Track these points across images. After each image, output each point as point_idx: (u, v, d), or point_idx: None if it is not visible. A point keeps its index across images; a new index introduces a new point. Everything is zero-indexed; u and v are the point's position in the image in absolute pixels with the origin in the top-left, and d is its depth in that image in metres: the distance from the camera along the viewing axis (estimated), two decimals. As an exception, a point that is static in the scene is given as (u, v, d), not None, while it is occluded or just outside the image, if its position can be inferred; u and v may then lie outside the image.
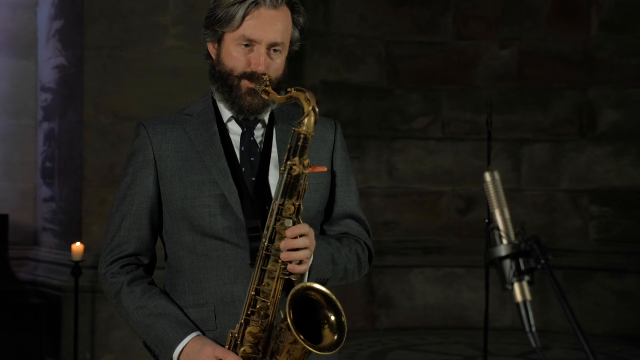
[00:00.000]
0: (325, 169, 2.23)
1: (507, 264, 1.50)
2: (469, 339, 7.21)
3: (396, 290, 7.79)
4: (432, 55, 7.96)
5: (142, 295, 2.16)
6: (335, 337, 1.98)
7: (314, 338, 1.98)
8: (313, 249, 2.06)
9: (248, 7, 2.11)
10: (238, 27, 2.13)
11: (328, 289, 2.06)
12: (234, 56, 2.15)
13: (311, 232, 2.05)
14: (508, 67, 7.97)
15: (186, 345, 2.08)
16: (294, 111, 2.24)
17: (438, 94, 7.98)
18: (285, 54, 2.19)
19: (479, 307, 7.03)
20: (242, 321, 2.04)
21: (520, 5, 7.92)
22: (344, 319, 1.99)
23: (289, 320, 1.91)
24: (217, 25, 2.16)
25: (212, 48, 2.21)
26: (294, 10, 2.19)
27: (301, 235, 2.02)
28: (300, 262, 2.04)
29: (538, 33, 7.90)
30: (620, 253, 7.30)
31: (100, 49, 6.08)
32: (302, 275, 2.08)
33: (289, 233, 2.01)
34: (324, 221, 2.28)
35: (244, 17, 2.12)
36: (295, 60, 8.16)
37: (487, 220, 5.80)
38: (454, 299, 7.77)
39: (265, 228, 2.04)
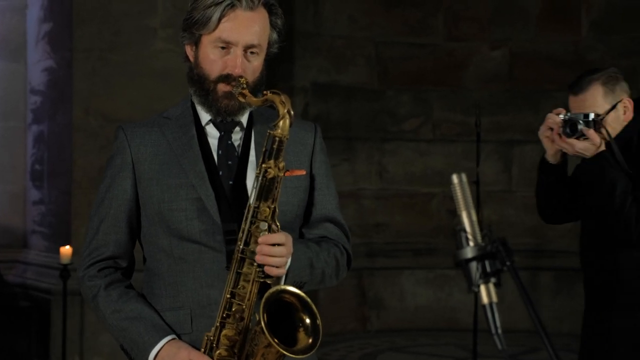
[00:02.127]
0: (304, 172, 2.23)
1: (473, 265, 1.50)
2: (459, 341, 7.21)
3: (387, 291, 7.79)
4: (423, 57, 7.96)
5: (119, 299, 2.16)
6: (310, 340, 1.97)
7: (289, 341, 1.97)
8: (289, 256, 2.06)
9: (224, 9, 2.11)
10: (214, 29, 2.13)
11: (304, 291, 2.06)
12: (210, 58, 2.15)
13: (288, 241, 2.05)
14: (498, 68, 7.98)
15: (161, 349, 2.08)
16: (273, 113, 2.24)
17: (428, 95, 7.98)
18: (262, 55, 2.19)
19: (469, 308, 7.03)
20: (218, 324, 2.04)
21: (511, 6, 7.92)
22: (318, 321, 1.99)
23: (262, 323, 1.91)
24: (194, 27, 2.16)
25: (189, 50, 2.21)
26: (270, 12, 2.19)
27: (278, 244, 2.03)
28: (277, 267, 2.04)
29: (528, 34, 7.91)
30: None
31: (90, 52, 6.08)
32: (278, 279, 2.08)
33: (263, 240, 2.01)
34: (302, 224, 2.27)
35: (220, 19, 2.12)
36: (285, 61, 8.18)
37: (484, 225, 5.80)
38: (445, 300, 7.78)
39: (240, 230, 2.04)
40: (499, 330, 1.51)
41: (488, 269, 1.49)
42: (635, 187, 2.85)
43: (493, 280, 1.50)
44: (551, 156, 3.01)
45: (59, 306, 5.70)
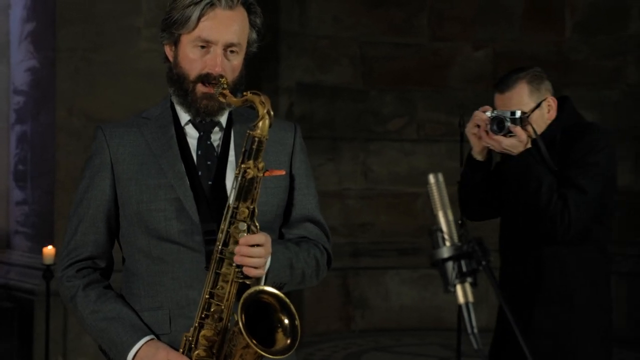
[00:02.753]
0: (284, 172, 2.23)
1: (450, 265, 1.51)
2: (444, 340, 7.22)
3: (371, 291, 7.80)
4: (407, 57, 7.97)
5: (97, 299, 2.16)
6: (288, 341, 1.97)
7: (267, 341, 1.97)
8: (268, 256, 2.06)
9: (203, 8, 2.11)
10: (194, 29, 2.13)
11: (283, 292, 2.06)
12: (190, 58, 2.14)
13: (267, 241, 2.05)
14: (483, 68, 7.99)
15: (139, 349, 2.08)
16: (253, 113, 2.23)
17: (413, 95, 7.99)
18: (242, 55, 2.19)
19: (454, 308, 7.02)
20: (196, 324, 2.04)
21: (495, 6, 7.94)
22: (297, 322, 1.99)
23: (240, 324, 1.91)
24: (173, 27, 2.16)
25: (169, 50, 2.21)
26: (250, 11, 2.19)
27: (257, 245, 2.02)
28: (256, 267, 2.04)
29: (512, 34, 7.93)
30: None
31: (73, 51, 6.05)
32: (257, 279, 2.08)
33: (243, 242, 2.00)
34: (282, 224, 2.27)
35: (199, 18, 2.12)
36: (270, 61, 8.16)
37: (459, 222, 5.81)
38: (429, 300, 7.78)
39: (219, 231, 2.04)
40: (475, 330, 1.51)
41: (464, 268, 1.50)
42: (560, 184, 2.90)
43: (469, 280, 1.50)
44: (478, 153, 3.05)
45: (42, 307, 5.67)
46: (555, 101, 3.03)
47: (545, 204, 2.86)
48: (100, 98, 6.00)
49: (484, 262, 1.47)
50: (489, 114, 2.96)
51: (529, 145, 2.94)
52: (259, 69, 7.01)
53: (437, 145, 7.96)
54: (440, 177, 1.56)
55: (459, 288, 1.51)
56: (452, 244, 1.50)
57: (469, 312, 1.49)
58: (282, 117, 7.58)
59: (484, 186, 3.08)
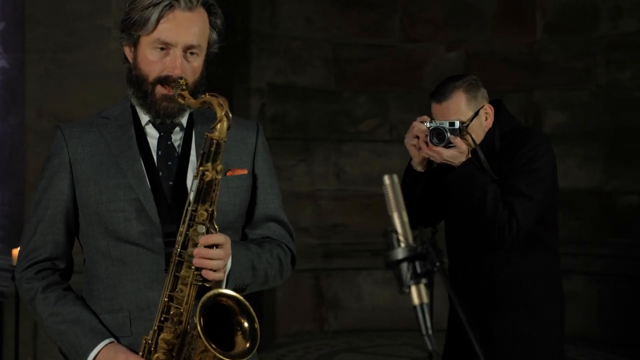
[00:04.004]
0: (246, 172, 2.22)
1: (404, 266, 1.51)
2: (416, 341, 7.23)
3: (344, 292, 7.80)
4: (380, 58, 7.98)
5: (56, 302, 2.14)
6: (248, 345, 1.96)
7: (226, 345, 1.96)
8: (228, 258, 2.05)
9: (162, 10, 2.10)
10: (153, 30, 2.11)
11: (244, 295, 2.05)
12: (149, 59, 2.13)
13: (227, 242, 2.04)
14: (455, 69, 7.99)
15: (99, 353, 2.06)
16: (214, 114, 2.23)
17: (385, 96, 8.00)
18: (202, 56, 2.17)
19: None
20: (156, 327, 2.03)
21: (466, 8, 7.97)
22: (256, 325, 1.98)
23: (198, 328, 1.90)
24: (132, 28, 2.15)
25: (128, 52, 2.20)
26: (210, 12, 2.18)
27: (216, 246, 2.01)
28: (215, 271, 2.03)
29: (484, 36, 7.96)
30: (566, 254, 7.36)
31: (42, 52, 6.00)
32: (218, 282, 2.07)
33: (202, 241, 1.99)
34: (245, 224, 2.27)
35: (158, 20, 2.10)
36: (242, 62, 8.10)
37: (432, 230, 5.82)
38: (402, 301, 7.73)
39: (178, 234, 2.03)
40: (430, 331, 1.52)
41: (419, 269, 1.50)
42: (504, 192, 2.89)
43: (424, 281, 1.51)
44: (418, 164, 3.03)
45: (12, 309, 5.62)
46: (492, 108, 3.00)
47: (491, 213, 2.84)
48: (70, 99, 5.96)
49: (438, 264, 1.47)
50: (427, 124, 2.94)
51: (469, 156, 2.92)
52: (230, 70, 7.00)
53: (410, 146, 7.98)
54: (396, 178, 1.56)
55: (413, 289, 1.52)
56: (407, 245, 1.50)
57: (423, 314, 1.49)
58: (253, 118, 7.57)
59: (424, 196, 3.05)
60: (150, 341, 2.03)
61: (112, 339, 2.09)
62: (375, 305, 7.80)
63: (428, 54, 8.02)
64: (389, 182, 1.53)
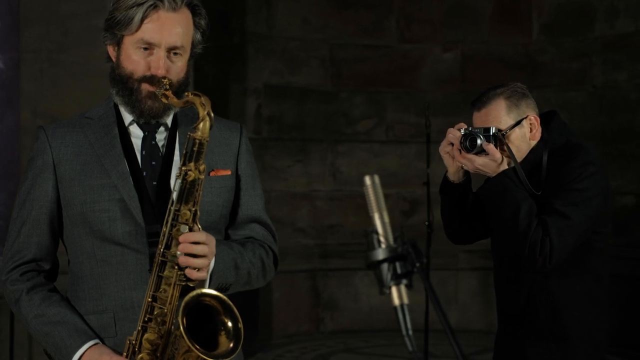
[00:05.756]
0: (229, 172, 2.22)
1: (385, 267, 1.50)
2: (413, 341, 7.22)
3: (341, 293, 7.79)
4: (376, 58, 7.98)
5: (41, 303, 2.13)
6: (231, 344, 1.96)
7: (210, 345, 1.96)
8: (212, 257, 2.05)
9: (146, 10, 2.09)
10: (136, 30, 2.11)
11: (227, 294, 2.05)
12: (133, 59, 2.13)
13: (211, 241, 2.03)
14: (451, 70, 8.02)
15: (83, 354, 2.06)
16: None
17: (382, 96, 8.00)
18: (186, 56, 2.17)
19: (423, 308, 7.06)
20: (139, 328, 2.03)
21: (463, 9, 7.96)
22: (240, 325, 1.97)
23: (181, 328, 1.89)
24: (115, 28, 2.14)
25: (112, 51, 2.19)
26: (194, 12, 2.17)
27: (199, 243, 2.00)
28: (199, 270, 2.02)
29: (480, 36, 7.96)
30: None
31: (37, 52, 6.00)
32: (202, 281, 2.06)
33: (184, 238, 1.98)
34: (228, 225, 2.26)
35: (142, 20, 2.10)
36: (238, 63, 8.08)
37: (426, 223, 5.82)
38: (398, 301, 7.77)
39: (161, 234, 2.02)
40: (410, 332, 1.51)
41: (399, 270, 1.49)
42: (541, 210, 2.65)
43: (404, 281, 1.50)
44: (452, 174, 2.82)
45: (7, 310, 5.62)
46: (538, 120, 2.76)
47: (524, 230, 2.60)
48: (65, 99, 5.96)
49: (418, 264, 1.46)
50: (463, 131, 2.74)
51: (505, 166, 2.70)
52: (226, 70, 7.00)
53: (406, 146, 7.98)
54: (377, 179, 1.56)
55: (394, 290, 1.51)
56: (387, 245, 1.49)
57: (404, 314, 1.49)
58: (250, 118, 7.56)
59: (461, 209, 2.85)
60: (134, 341, 2.03)
61: (97, 340, 2.08)
62: (372, 305, 7.79)
63: (424, 55, 8.02)
64: (370, 183, 1.52)
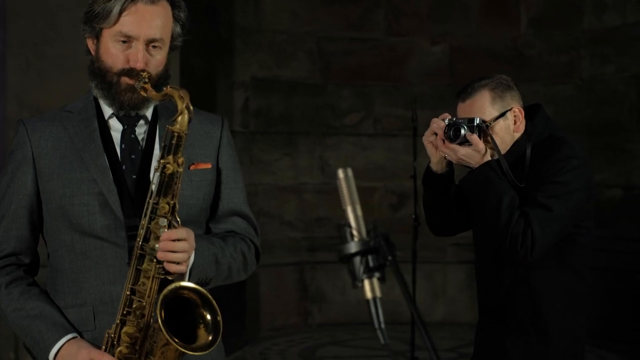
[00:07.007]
0: (209, 166, 2.22)
1: (357, 261, 1.50)
2: (400, 334, 7.22)
3: (328, 285, 7.80)
4: (364, 51, 7.98)
5: (20, 297, 2.13)
6: (210, 337, 1.96)
7: (189, 338, 1.96)
8: (192, 251, 2.05)
9: (124, 3, 2.09)
10: (115, 23, 2.11)
11: (208, 288, 2.05)
12: (112, 52, 2.12)
13: (190, 236, 2.03)
14: (439, 63, 8.02)
15: (61, 348, 2.05)
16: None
17: (370, 90, 8.00)
18: (165, 49, 2.17)
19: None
20: (118, 321, 2.02)
21: (451, 2, 7.97)
22: (219, 318, 1.97)
23: (159, 321, 1.89)
24: (94, 21, 2.14)
25: (91, 44, 2.19)
26: (173, 5, 2.17)
27: (180, 240, 2.01)
28: (178, 263, 2.02)
29: (468, 29, 7.96)
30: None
31: (24, 45, 5.99)
32: (182, 275, 2.06)
33: (165, 237, 1.99)
34: (209, 219, 2.26)
35: (120, 13, 2.09)
36: (225, 55, 8.05)
37: (413, 216, 5.82)
38: (386, 294, 7.64)
39: (140, 227, 2.02)
40: (382, 325, 1.51)
41: (371, 263, 1.49)
42: (523, 202, 2.64)
43: (377, 275, 1.50)
44: (435, 164, 2.81)
45: (-8, 303, 5.62)
46: (522, 112, 2.74)
47: (505, 222, 2.59)
48: (52, 92, 5.95)
49: (390, 257, 1.47)
50: (447, 121, 2.73)
51: (488, 157, 2.69)
52: (213, 63, 6.99)
53: (394, 139, 7.98)
54: (350, 172, 1.56)
55: (366, 283, 1.51)
56: (360, 239, 1.50)
57: (376, 308, 1.49)
58: (237, 112, 7.56)
59: (445, 200, 2.84)
60: (113, 335, 2.03)
61: (75, 334, 2.08)
62: (359, 298, 7.77)
63: (412, 48, 8.02)
64: (343, 176, 1.53)
